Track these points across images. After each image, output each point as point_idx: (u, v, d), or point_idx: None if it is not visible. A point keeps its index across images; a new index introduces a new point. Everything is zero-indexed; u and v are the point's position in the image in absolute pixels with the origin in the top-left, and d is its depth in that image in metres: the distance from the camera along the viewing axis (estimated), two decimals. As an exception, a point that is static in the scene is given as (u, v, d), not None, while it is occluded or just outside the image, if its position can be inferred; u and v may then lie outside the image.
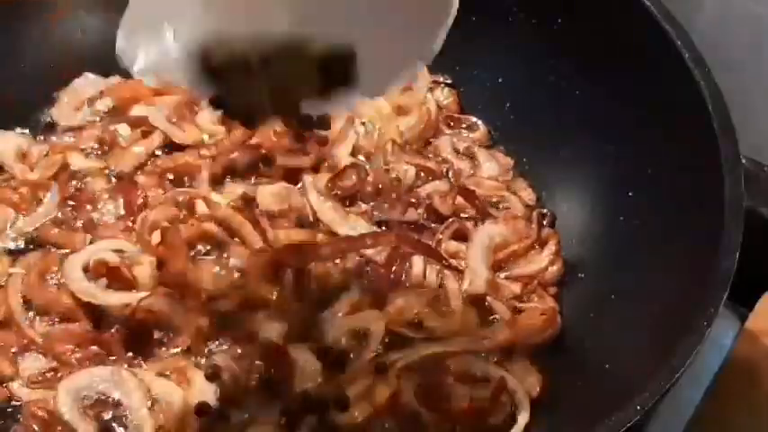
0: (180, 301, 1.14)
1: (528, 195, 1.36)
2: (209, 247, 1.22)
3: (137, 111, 1.37)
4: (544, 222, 1.31)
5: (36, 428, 1.07)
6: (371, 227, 1.26)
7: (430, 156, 1.38)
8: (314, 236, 1.24)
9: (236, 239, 1.23)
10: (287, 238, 1.23)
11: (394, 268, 1.23)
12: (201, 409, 1.09)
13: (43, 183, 1.28)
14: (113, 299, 1.14)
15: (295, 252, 1.21)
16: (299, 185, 1.30)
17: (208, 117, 1.36)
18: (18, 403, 1.11)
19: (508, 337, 1.18)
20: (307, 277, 1.20)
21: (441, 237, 1.26)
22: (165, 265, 1.17)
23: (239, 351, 1.14)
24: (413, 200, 1.31)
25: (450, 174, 1.36)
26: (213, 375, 1.11)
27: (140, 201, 1.26)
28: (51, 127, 1.37)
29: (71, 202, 1.28)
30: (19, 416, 1.10)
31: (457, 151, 1.39)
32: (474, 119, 1.43)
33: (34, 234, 1.25)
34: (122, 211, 1.27)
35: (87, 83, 1.40)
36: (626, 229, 1.25)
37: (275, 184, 1.29)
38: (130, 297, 1.14)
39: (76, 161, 1.31)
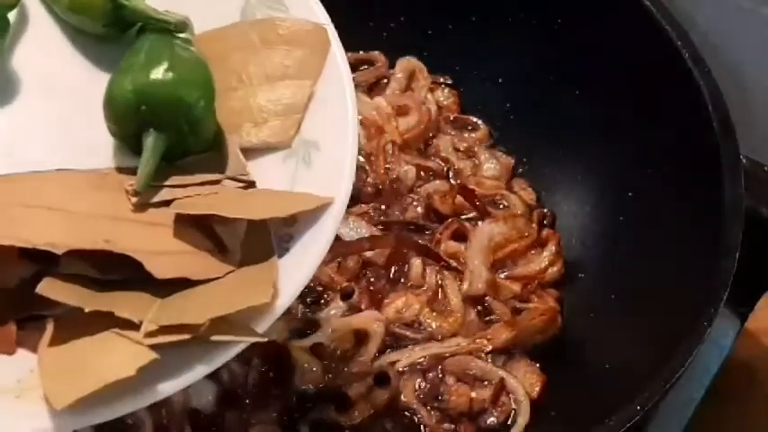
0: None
1: (528, 195, 1.35)
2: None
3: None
4: (544, 222, 1.31)
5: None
6: (372, 228, 1.26)
7: (430, 156, 1.38)
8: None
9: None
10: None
11: (393, 269, 1.24)
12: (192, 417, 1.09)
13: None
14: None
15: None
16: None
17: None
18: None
19: (508, 337, 1.18)
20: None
21: (440, 237, 1.26)
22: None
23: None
24: (413, 200, 1.31)
25: (451, 173, 1.36)
26: (211, 373, 1.11)
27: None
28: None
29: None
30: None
31: (457, 151, 1.39)
32: (474, 119, 1.43)
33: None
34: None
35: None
36: (626, 229, 1.25)
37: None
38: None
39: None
